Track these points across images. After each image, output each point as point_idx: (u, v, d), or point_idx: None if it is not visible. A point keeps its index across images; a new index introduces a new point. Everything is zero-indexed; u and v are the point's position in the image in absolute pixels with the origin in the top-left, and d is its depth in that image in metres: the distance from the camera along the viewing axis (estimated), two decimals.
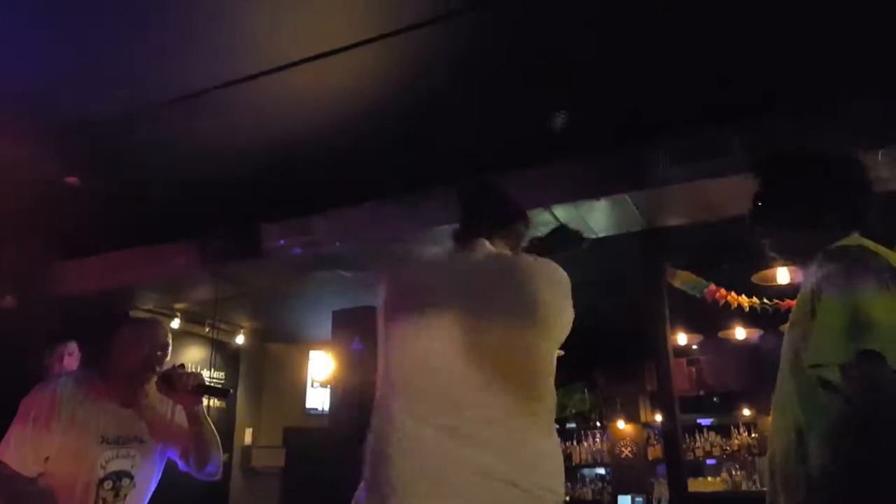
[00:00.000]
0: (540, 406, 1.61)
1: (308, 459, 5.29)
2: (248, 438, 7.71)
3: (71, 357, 4.00)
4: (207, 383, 2.41)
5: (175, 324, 6.44)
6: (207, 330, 7.24)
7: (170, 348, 2.38)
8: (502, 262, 1.79)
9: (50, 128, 3.80)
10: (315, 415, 7.99)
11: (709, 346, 6.61)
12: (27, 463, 2.13)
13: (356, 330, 5.28)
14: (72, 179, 4.28)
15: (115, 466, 2.21)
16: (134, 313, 5.92)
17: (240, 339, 7.65)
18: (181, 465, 2.40)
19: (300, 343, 8.13)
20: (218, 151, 4.05)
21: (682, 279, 4.51)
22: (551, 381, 1.68)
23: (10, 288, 5.36)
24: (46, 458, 2.15)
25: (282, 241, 4.55)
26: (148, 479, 2.32)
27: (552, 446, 1.61)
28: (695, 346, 6.66)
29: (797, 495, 1.39)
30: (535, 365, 1.64)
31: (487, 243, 1.84)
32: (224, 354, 7.59)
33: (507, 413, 1.54)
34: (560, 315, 1.72)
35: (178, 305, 6.40)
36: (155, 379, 2.31)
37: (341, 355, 5.50)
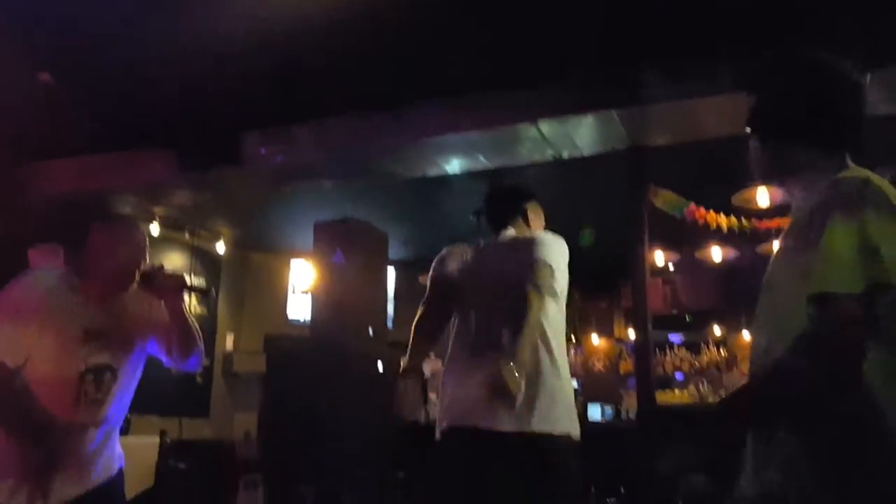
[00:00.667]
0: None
1: (288, 366, 5.41)
2: (229, 344, 7.81)
3: (52, 256, 4.00)
4: (187, 282, 2.42)
5: (154, 229, 6.39)
6: (187, 236, 7.21)
7: (146, 250, 2.37)
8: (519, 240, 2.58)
9: (22, 25, 3.65)
10: (296, 324, 8.10)
11: (685, 266, 6.73)
12: (8, 351, 2.12)
13: (337, 242, 5.30)
14: (44, 77, 4.14)
15: (96, 360, 2.22)
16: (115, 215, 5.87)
17: (221, 247, 7.63)
18: (164, 359, 2.42)
19: (282, 252, 8.13)
20: (200, 56, 3.93)
21: (663, 198, 4.54)
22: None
23: None
24: (27, 351, 2.14)
25: (263, 150, 4.49)
26: (130, 373, 2.33)
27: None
28: (671, 266, 6.77)
29: None
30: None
31: (511, 230, 2.66)
32: (205, 261, 7.58)
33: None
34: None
35: (157, 210, 6.34)
36: (136, 276, 2.32)
37: (322, 266, 5.54)
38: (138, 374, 2.39)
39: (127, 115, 4.67)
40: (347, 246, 5.42)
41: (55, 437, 2.14)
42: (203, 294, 2.60)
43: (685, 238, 5.81)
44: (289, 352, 5.77)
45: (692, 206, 4.70)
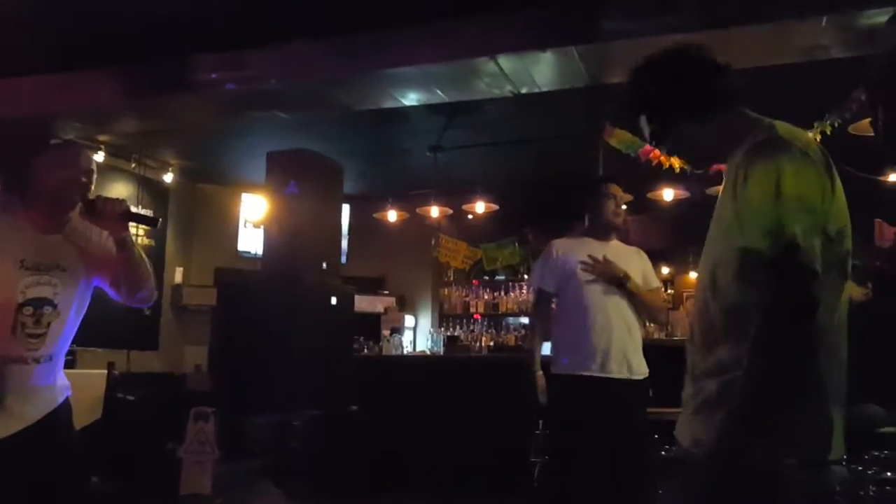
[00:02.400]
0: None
1: (240, 299, 5.36)
2: (178, 277, 7.71)
3: None
4: (133, 211, 2.34)
5: (99, 157, 6.17)
6: (134, 165, 6.99)
7: (94, 175, 2.26)
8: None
9: None
10: (247, 257, 8.02)
11: (636, 207, 6.83)
12: None
13: (291, 172, 5.19)
14: None
15: (35, 293, 2.14)
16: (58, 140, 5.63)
17: (168, 178, 7.43)
18: (112, 293, 2.34)
19: (233, 185, 7.97)
20: None
21: (618, 138, 4.55)
22: None
23: None
24: None
25: (213, 75, 4.32)
26: (72, 308, 2.25)
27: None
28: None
29: (709, 337, 1.51)
30: None
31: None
32: (152, 192, 7.38)
33: None
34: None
35: (102, 138, 6.12)
36: (78, 207, 2.23)
37: (275, 198, 5.44)
38: (82, 307, 2.31)
39: (70, 34, 4.43)
40: (301, 177, 5.32)
41: None
42: (150, 224, 2.51)
43: (637, 179, 5.86)
44: (240, 284, 5.71)
45: (646, 146, 4.73)
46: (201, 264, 7.82)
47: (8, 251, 2.12)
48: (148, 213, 6.99)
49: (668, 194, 6.26)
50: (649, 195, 6.33)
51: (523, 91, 4.32)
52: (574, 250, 3.37)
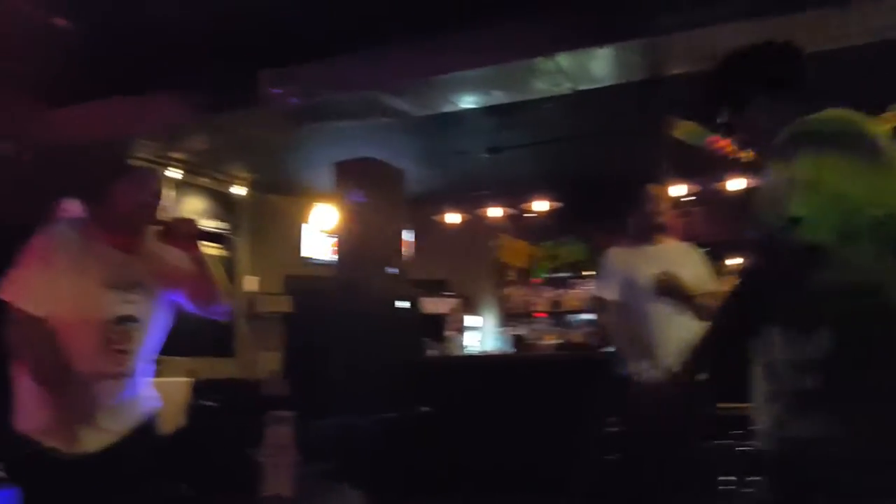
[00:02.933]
0: None
1: (312, 305, 5.50)
2: (251, 286, 7.94)
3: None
4: (204, 230, 2.45)
5: (174, 173, 6.43)
6: (206, 180, 7.25)
7: (162, 195, 2.37)
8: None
9: None
10: (313, 264, 8.21)
11: (703, 198, 6.71)
12: (35, 302, 2.15)
13: (357, 181, 5.30)
14: (59, 21, 4.11)
15: (120, 311, 2.24)
16: (131, 162, 5.90)
17: (238, 190, 7.68)
18: (190, 307, 2.45)
19: (298, 194, 8.17)
20: None
21: (683, 129, 4.49)
22: None
23: (5, 136, 5.33)
24: (53, 301, 2.17)
25: (277, 91, 4.47)
26: (155, 323, 2.36)
27: None
28: (689, 198, 6.75)
29: None
30: None
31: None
32: (224, 205, 7.65)
33: None
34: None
35: (176, 155, 6.37)
36: (154, 229, 2.34)
37: (344, 206, 5.56)
38: (165, 322, 2.41)
39: (142, 58, 4.64)
40: (366, 185, 5.43)
41: (83, 387, 2.17)
42: (219, 241, 2.62)
43: (703, 170, 5.78)
44: (312, 291, 5.85)
45: (713, 136, 4.65)
46: (271, 273, 8.04)
47: (93, 272, 2.22)
48: (217, 226, 7.24)
49: (735, 184, 6.14)
50: (715, 186, 6.22)
51: (581, 88, 4.32)
52: (627, 258, 3.44)
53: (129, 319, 2.26)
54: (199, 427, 5.39)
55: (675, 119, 4.53)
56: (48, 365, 2.15)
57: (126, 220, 2.31)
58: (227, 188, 7.59)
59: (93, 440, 2.19)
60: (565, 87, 4.43)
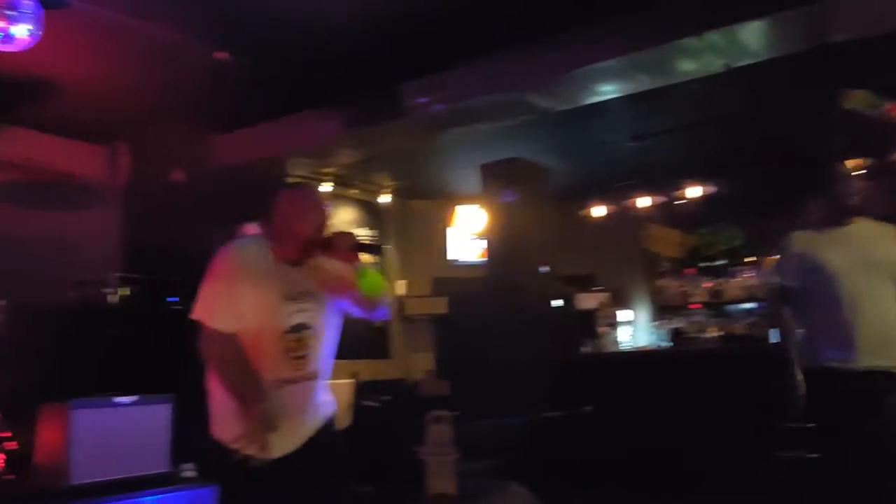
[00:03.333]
0: None
1: (465, 307, 5.60)
2: (401, 289, 8.18)
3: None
4: (361, 241, 2.53)
5: (326, 188, 6.76)
6: (355, 191, 7.58)
7: (326, 210, 2.51)
8: None
9: (197, 6, 3.92)
10: (458, 266, 8.34)
11: (877, 170, 6.14)
12: (224, 320, 2.32)
13: (505, 182, 5.32)
14: (221, 55, 4.43)
15: (295, 320, 2.37)
16: (288, 180, 6.27)
17: (384, 199, 7.96)
18: (355, 312, 2.56)
19: (442, 199, 8.33)
20: (353, 15, 4.03)
21: (857, 99, 4.12)
22: None
23: (177, 163, 5.83)
24: (237, 315, 2.31)
25: (421, 100, 4.58)
26: (327, 329, 2.49)
27: None
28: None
29: None
30: None
31: None
32: (371, 213, 7.95)
33: None
34: None
35: (327, 170, 6.69)
36: (317, 243, 2.46)
37: (492, 207, 5.59)
38: (336, 328, 2.54)
39: (292, 80, 4.90)
40: (514, 184, 5.44)
41: (270, 394, 2.31)
42: (375, 251, 2.73)
43: (877, 142, 5.29)
44: (466, 293, 5.96)
45: (889, 105, 4.23)
46: (418, 276, 8.25)
47: (271, 285, 2.37)
48: (371, 236, 7.53)
49: None
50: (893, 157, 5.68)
51: (737, 65, 4.07)
52: (814, 241, 3.20)
53: (304, 327, 2.39)
54: (364, 427, 5.62)
55: (846, 89, 4.16)
56: (238, 377, 2.31)
57: (294, 235, 2.43)
58: (374, 197, 7.88)
59: (282, 444, 2.32)
60: (717, 66, 4.21)
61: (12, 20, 3.76)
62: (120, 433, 3.73)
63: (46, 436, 3.69)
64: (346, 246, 2.42)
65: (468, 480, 5.15)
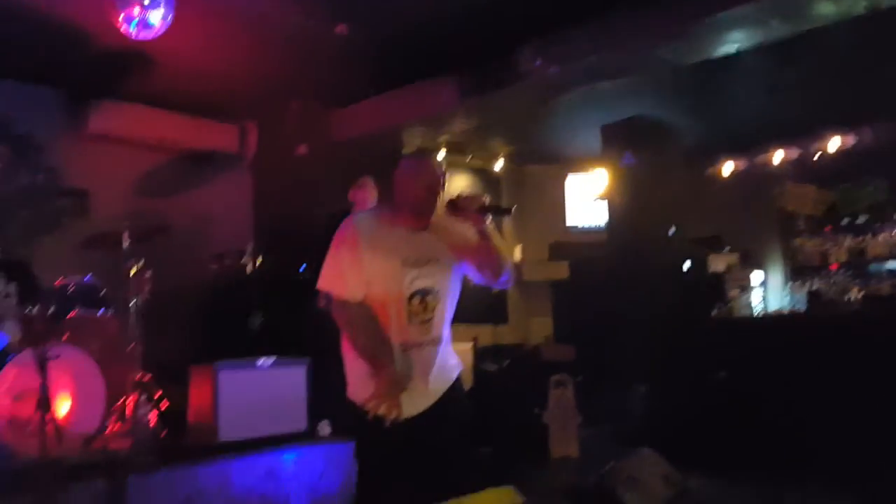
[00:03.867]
0: None
1: (588, 271, 5.52)
2: (518, 255, 8.17)
3: (365, 189, 4.48)
4: (489, 203, 2.54)
5: (440, 156, 6.81)
6: (469, 158, 7.61)
7: (444, 176, 2.54)
8: None
9: None
10: (576, 231, 8.23)
11: None
12: (350, 289, 2.42)
13: (627, 142, 5.16)
14: (341, 29, 4.52)
15: (419, 285, 2.45)
16: (405, 150, 6.38)
17: (499, 165, 7.94)
18: (476, 278, 2.61)
19: (557, 163, 8.21)
20: None
21: None
22: None
23: (301, 138, 6.05)
24: (363, 282, 2.41)
25: (538, 62, 4.49)
26: (449, 293, 2.55)
27: None
28: None
29: None
30: None
31: None
32: (485, 180, 7.96)
33: None
34: None
35: (441, 138, 6.74)
36: (444, 205, 2.49)
37: (614, 170, 5.45)
38: (456, 291, 2.59)
39: (408, 51, 4.94)
40: (636, 145, 5.27)
41: (399, 357, 2.41)
42: (504, 214, 2.72)
43: None
44: (585, 257, 5.88)
45: None
46: (535, 241, 8.21)
47: (393, 252, 2.44)
48: (501, 202, 7.55)
49: None
50: None
51: (883, 5, 3.73)
52: None
53: (428, 292, 2.46)
54: (484, 390, 5.71)
55: None
56: (369, 341, 2.41)
57: (415, 202, 2.48)
58: (489, 164, 7.88)
59: (412, 405, 2.41)
60: (859, 7, 3.87)
61: (148, 7, 4.01)
62: (261, 394, 3.97)
63: (196, 396, 3.99)
64: (474, 208, 2.44)
65: (592, 444, 5.14)
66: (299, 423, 4.09)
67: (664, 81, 5.21)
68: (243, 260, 5.30)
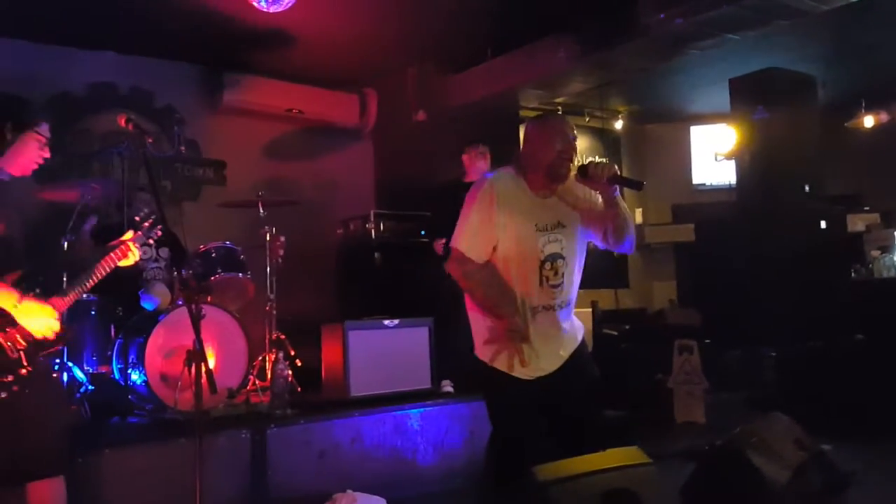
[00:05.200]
0: None
1: (715, 233, 5.31)
2: (638, 218, 7.99)
3: (479, 153, 4.51)
4: (620, 175, 2.50)
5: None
6: (587, 119, 7.45)
7: (576, 140, 2.50)
8: None
9: None
10: (703, 190, 7.91)
11: None
12: (476, 250, 2.45)
13: (757, 96, 4.88)
14: None
15: (550, 250, 2.47)
16: (522, 112, 6.34)
17: (619, 125, 7.74)
18: (600, 243, 2.59)
19: (680, 120, 7.91)
20: None
21: None
22: None
23: (418, 105, 6.14)
24: (494, 247, 2.44)
25: (661, 15, 4.31)
26: (576, 258, 2.55)
27: None
28: None
29: None
30: None
31: None
32: (605, 141, 7.79)
33: None
34: None
35: (558, 100, 6.63)
36: (573, 171, 2.47)
37: (744, 125, 5.17)
38: (582, 256, 2.58)
39: (526, 5, 4.86)
40: (768, 99, 4.98)
41: (528, 318, 2.43)
42: (636, 187, 2.65)
43: None
44: (712, 218, 5.65)
45: None
46: (657, 203, 7.98)
47: (527, 216, 2.46)
48: (632, 175, 7.39)
49: None
50: None
51: None
52: None
53: (558, 257, 2.47)
54: (605, 353, 5.67)
55: None
56: (493, 295, 2.45)
57: (546, 166, 2.47)
58: (608, 124, 7.69)
59: (540, 366, 2.45)
60: None
61: None
62: (387, 352, 4.12)
63: (328, 353, 4.21)
64: (605, 177, 2.42)
65: (720, 410, 5.00)
66: (423, 381, 4.23)
67: (798, 30, 4.87)
68: (367, 225, 5.48)
